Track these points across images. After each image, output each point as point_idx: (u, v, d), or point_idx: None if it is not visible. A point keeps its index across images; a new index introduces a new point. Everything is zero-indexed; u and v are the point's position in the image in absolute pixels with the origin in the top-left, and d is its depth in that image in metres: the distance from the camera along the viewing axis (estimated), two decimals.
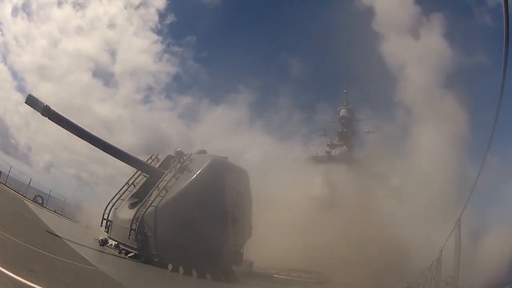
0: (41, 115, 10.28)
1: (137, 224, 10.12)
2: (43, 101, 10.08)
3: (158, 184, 10.92)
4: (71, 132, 10.81)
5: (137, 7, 48.49)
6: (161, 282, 8.73)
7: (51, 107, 10.20)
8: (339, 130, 30.44)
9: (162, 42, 51.42)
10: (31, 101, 9.99)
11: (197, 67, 57.03)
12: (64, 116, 10.63)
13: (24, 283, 4.20)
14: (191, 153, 11.90)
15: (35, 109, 10.05)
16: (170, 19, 50.14)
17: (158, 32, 51.64)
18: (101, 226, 12.00)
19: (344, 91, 31.38)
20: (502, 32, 2.69)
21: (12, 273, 4.36)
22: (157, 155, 12.91)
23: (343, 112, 30.52)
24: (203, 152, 12.57)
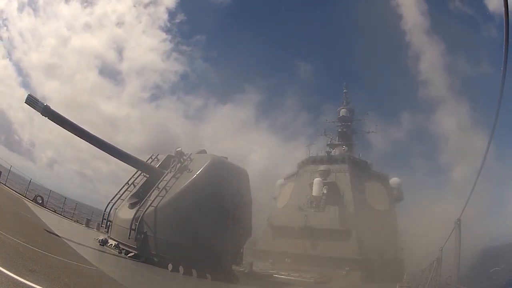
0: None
1: (137, 224, 10.12)
2: (42, 101, 10.11)
3: (158, 184, 10.93)
4: (71, 132, 10.82)
5: (146, 5, 48.24)
6: (161, 282, 8.72)
7: (51, 107, 10.21)
8: (339, 130, 30.40)
9: (170, 41, 51.09)
10: (31, 101, 9.99)
11: (205, 67, 56.70)
12: (64, 116, 10.64)
13: (24, 283, 4.20)
14: (191, 153, 11.90)
15: (35, 109, 10.05)
16: (179, 18, 49.96)
17: (167, 30, 51.39)
18: (101, 226, 12.00)
19: (344, 91, 31.38)
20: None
21: (12, 273, 4.36)
22: (157, 155, 12.91)
23: (343, 112, 30.46)
24: (203, 152, 12.58)
